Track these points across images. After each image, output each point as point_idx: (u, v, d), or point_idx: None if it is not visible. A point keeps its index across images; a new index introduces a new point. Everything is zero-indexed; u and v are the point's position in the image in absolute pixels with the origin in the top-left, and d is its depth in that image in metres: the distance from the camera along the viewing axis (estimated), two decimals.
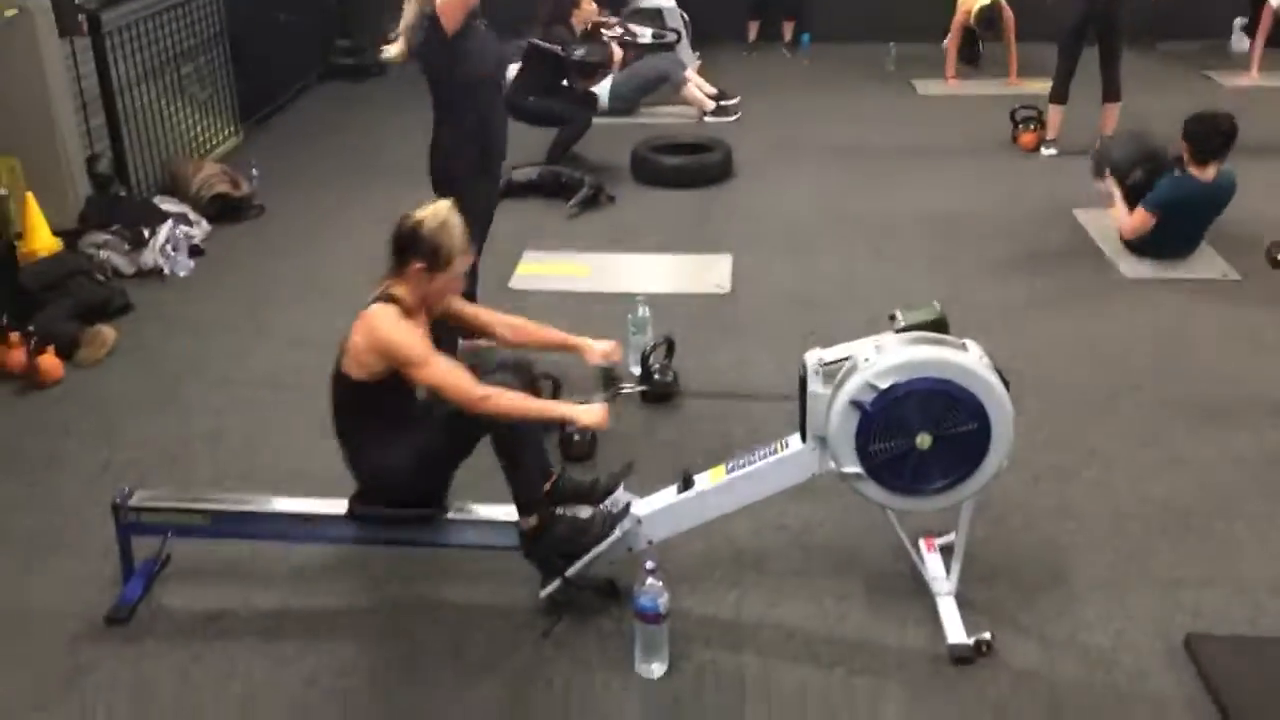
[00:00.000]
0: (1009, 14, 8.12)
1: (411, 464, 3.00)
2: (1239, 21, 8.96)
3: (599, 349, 3.30)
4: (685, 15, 8.83)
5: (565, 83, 6.90)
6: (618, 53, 7.10)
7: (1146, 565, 3.27)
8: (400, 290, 2.98)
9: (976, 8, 8.09)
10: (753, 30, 9.49)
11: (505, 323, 3.35)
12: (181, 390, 4.35)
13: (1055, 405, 4.11)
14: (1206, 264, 5.29)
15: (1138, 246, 5.34)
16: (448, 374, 2.91)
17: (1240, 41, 8.95)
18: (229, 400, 4.25)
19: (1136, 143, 5.64)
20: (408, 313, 2.96)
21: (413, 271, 2.95)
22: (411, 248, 2.95)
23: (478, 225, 4.14)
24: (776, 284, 5.21)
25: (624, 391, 3.39)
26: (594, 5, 6.98)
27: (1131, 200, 5.32)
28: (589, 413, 3.02)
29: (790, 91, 8.42)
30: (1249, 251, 5.33)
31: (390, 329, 2.90)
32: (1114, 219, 5.43)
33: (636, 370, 4.25)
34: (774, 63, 9.26)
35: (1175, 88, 8.15)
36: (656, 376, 4.18)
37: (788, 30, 9.50)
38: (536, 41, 6.73)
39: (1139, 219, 5.24)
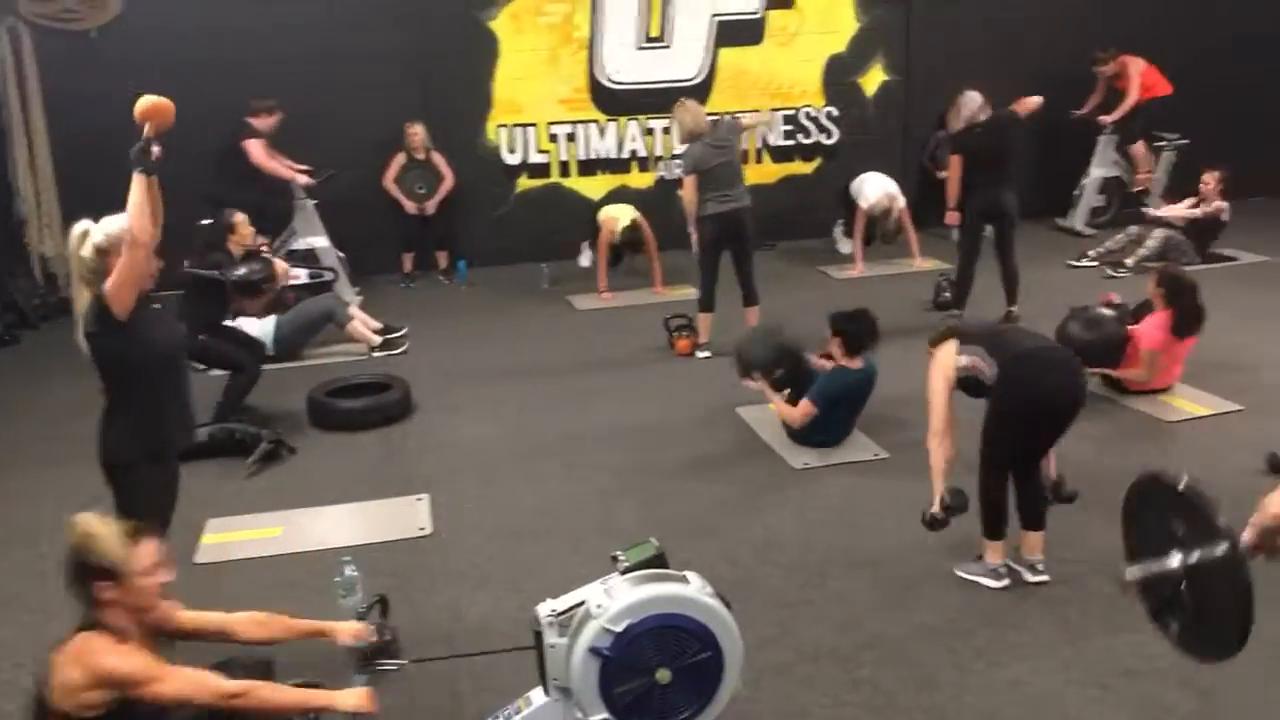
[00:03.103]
0: (649, 231, 8.82)
1: None
2: (838, 227, 10.18)
3: (348, 630, 3.18)
4: (340, 253, 8.95)
5: (232, 311, 6.66)
6: (282, 266, 6.83)
7: None
8: (100, 616, 2.76)
9: (620, 228, 8.73)
10: (408, 262, 9.70)
11: (246, 620, 3.17)
12: None
13: (759, 604, 4.36)
14: (860, 447, 5.87)
15: (803, 438, 5.84)
16: (188, 680, 2.73)
17: (841, 242, 10.16)
18: None
19: (770, 339, 6.15)
20: (119, 636, 2.74)
21: (100, 592, 2.75)
22: (82, 576, 2.77)
23: (158, 518, 3.86)
24: (478, 519, 5.24)
25: (386, 668, 3.26)
26: (250, 230, 6.73)
27: (782, 391, 5.84)
28: (350, 696, 2.89)
29: (455, 319, 8.63)
30: (885, 429, 5.98)
31: (104, 654, 2.69)
32: (780, 413, 5.91)
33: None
34: (434, 292, 9.49)
35: (798, 283, 9.12)
36: (375, 640, 4.05)
37: (442, 259, 9.79)
38: (193, 270, 6.35)
39: (804, 409, 5.73)
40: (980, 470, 4.41)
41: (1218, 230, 9.18)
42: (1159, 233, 9.24)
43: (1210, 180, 9.09)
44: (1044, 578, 4.45)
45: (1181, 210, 9.27)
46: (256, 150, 8.46)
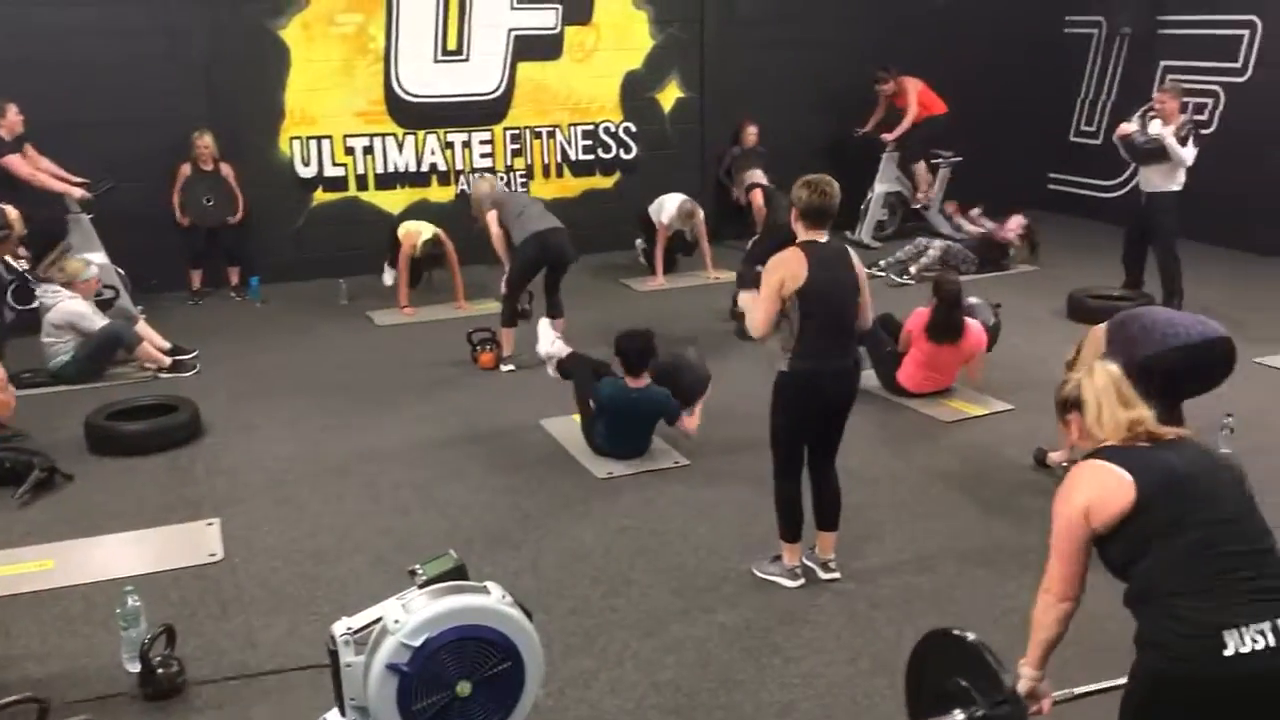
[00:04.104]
0: (450, 245, 8.72)
1: None
2: (639, 243, 10.30)
3: None
4: (120, 270, 8.49)
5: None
6: (11, 211, 5.98)
7: None
8: None
9: (420, 241, 8.61)
10: (196, 279, 9.28)
11: None
12: None
13: (562, 612, 4.38)
14: (662, 455, 5.97)
15: (597, 448, 5.92)
16: None
17: (641, 256, 10.29)
18: None
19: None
20: None
21: None
22: None
23: None
24: (273, 541, 5.06)
25: None
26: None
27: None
28: None
29: (248, 337, 8.32)
30: (688, 439, 6.10)
31: None
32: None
33: (135, 668, 3.91)
34: (225, 309, 9.10)
35: (601, 295, 9.21)
36: (160, 671, 3.86)
37: (234, 275, 9.40)
38: None
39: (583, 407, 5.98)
40: (775, 478, 4.57)
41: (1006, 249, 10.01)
42: (938, 243, 9.81)
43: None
44: (835, 575, 4.64)
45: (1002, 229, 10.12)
46: (18, 165, 7.93)
